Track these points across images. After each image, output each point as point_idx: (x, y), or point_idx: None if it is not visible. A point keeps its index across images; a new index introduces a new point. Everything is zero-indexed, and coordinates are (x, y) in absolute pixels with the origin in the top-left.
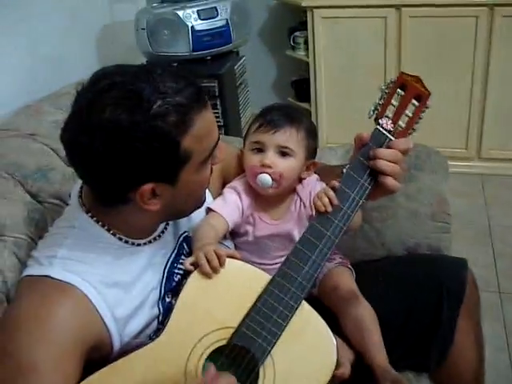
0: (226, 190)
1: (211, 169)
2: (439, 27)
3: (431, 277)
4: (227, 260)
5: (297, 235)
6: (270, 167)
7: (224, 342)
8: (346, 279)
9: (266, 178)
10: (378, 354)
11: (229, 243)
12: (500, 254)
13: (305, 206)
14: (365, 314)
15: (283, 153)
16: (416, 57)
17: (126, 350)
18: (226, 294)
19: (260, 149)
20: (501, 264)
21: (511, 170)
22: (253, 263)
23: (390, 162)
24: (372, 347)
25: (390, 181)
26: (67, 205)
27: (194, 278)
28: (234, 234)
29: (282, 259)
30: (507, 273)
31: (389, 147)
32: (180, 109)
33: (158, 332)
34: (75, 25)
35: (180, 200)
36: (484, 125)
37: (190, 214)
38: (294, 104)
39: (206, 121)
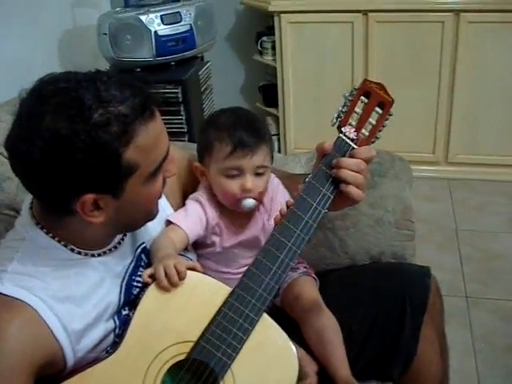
0: (189, 202)
1: (164, 181)
2: (406, 32)
3: (394, 286)
4: (187, 272)
5: (263, 241)
6: (251, 191)
7: (183, 357)
8: (309, 289)
9: (250, 202)
10: (341, 366)
11: (191, 255)
12: (467, 259)
13: (269, 213)
14: (328, 325)
15: (259, 172)
16: (383, 62)
17: (81, 364)
18: (186, 306)
19: (237, 174)
20: (467, 268)
21: (478, 175)
22: (219, 273)
23: (352, 171)
24: (335, 360)
25: (352, 190)
26: None
27: (153, 290)
28: (199, 245)
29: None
30: (474, 277)
31: (352, 156)
32: (122, 119)
33: (114, 346)
34: (36, 29)
35: (126, 213)
36: (451, 129)
37: (141, 226)
38: (261, 109)
39: (152, 132)
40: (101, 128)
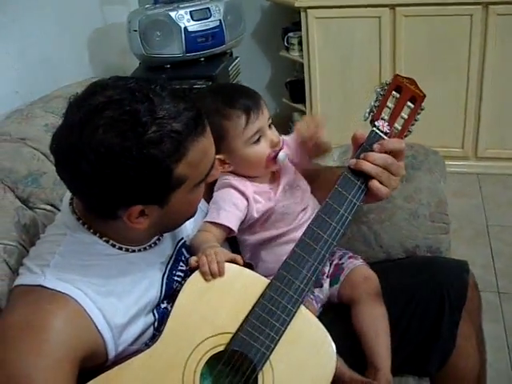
0: (218, 194)
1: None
2: (434, 26)
3: (432, 281)
4: (226, 264)
5: (298, 180)
6: (279, 142)
7: (222, 348)
8: (375, 276)
9: (283, 155)
10: (386, 358)
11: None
12: (498, 254)
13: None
14: (383, 315)
15: (270, 124)
16: (411, 56)
17: (122, 357)
18: (224, 299)
19: (259, 136)
20: (499, 263)
21: (508, 169)
22: (283, 236)
23: (378, 165)
24: (381, 350)
25: (374, 184)
26: (59, 210)
27: (191, 284)
28: (254, 223)
29: (303, 214)
30: (505, 272)
31: (380, 146)
32: (175, 136)
33: (153, 338)
34: (66, 28)
35: (170, 218)
36: (480, 124)
37: (180, 226)
38: (288, 105)
39: (202, 147)
40: (153, 145)
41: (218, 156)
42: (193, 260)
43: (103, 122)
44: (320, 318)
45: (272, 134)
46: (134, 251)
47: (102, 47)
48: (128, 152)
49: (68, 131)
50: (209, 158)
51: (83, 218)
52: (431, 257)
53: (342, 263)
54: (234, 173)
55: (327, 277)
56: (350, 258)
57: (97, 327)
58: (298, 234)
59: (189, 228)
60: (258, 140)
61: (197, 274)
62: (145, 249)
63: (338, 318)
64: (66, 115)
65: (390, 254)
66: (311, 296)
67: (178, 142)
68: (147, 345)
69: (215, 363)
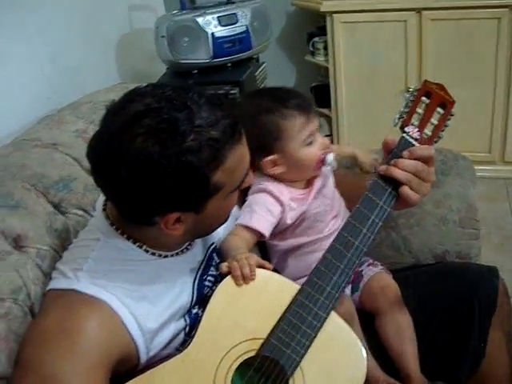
0: (252, 198)
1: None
2: (460, 30)
3: (462, 287)
4: (256, 270)
5: (330, 185)
6: (328, 146)
7: (253, 354)
8: (394, 284)
9: (331, 155)
10: (415, 364)
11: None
12: None
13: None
14: (407, 322)
15: (318, 127)
16: (437, 60)
17: (153, 361)
18: (255, 304)
19: (312, 138)
20: None
21: None
22: (312, 244)
23: (408, 172)
24: (409, 357)
25: (404, 190)
26: (90, 215)
27: (222, 289)
28: (287, 228)
29: (334, 222)
30: None
31: (410, 153)
32: (213, 144)
33: (184, 343)
34: (94, 34)
35: (203, 224)
36: (507, 128)
37: (213, 232)
38: (315, 110)
39: (239, 154)
40: (192, 153)
41: (270, 157)
42: (224, 266)
43: (142, 131)
44: None
45: (323, 139)
46: (166, 256)
47: (130, 53)
48: (167, 160)
49: (106, 138)
50: (244, 165)
51: (117, 223)
52: (461, 263)
53: (362, 270)
54: (275, 177)
55: (350, 284)
56: (369, 265)
57: (129, 332)
58: (328, 243)
59: (220, 233)
60: (311, 142)
61: (228, 279)
62: (177, 254)
63: (364, 323)
64: (103, 122)
65: (419, 259)
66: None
67: (216, 149)
68: (178, 349)
69: (246, 369)
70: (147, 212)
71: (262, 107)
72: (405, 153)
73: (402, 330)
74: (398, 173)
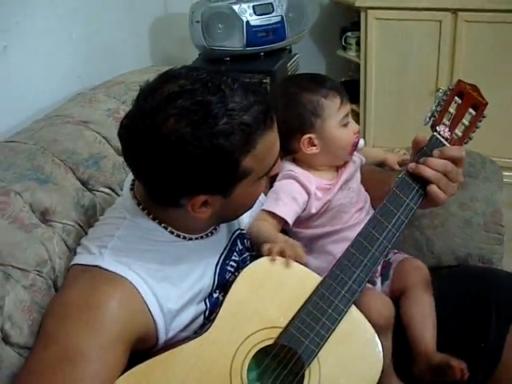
0: (278, 184)
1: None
2: (495, 33)
3: (481, 291)
4: (278, 259)
5: (357, 179)
6: (359, 131)
7: (271, 342)
8: (425, 266)
9: (362, 142)
10: (433, 344)
11: None
12: None
13: None
14: (432, 306)
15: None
16: (470, 62)
17: (171, 343)
18: (276, 293)
19: (347, 120)
20: None
21: None
22: (336, 233)
23: (438, 171)
24: (429, 335)
25: (433, 189)
26: (117, 194)
27: (245, 276)
28: (311, 217)
29: (359, 214)
30: None
31: (441, 152)
32: (245, 129)
33: (203, 327)
34: (130, 15)
35: (229, 209)
36: None
37: (238, 217)
38: None
39: (270, 142)
40: (224, 136)
41: (308, 135)
42: (266, 247)
43: (175, 112)
44: None
45: (353, 121)
46: (191, 239)
47: (163, 36)
48: (198, 141)
49: (139, 118)
50: (274, 152)
51: (143, 203)
52: (481, 267)
53: (389, 259)
54: (306, 161)
55: (380, 275)
56: (395, 253)
57: (150, 311)
58: (352, 233)
59: (245, 220)
60: (346, 124)
61: (251, 266)
62: (201, 237)
63: None
64: (136, 102)
65: (441, 260)
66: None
67: (247, 134)
68: (196, 333)
69: (263, 357)
70: (175, 193)
71: (303, 86)
72: (435, 152)
73: (426, 311)
74: (427, 171)
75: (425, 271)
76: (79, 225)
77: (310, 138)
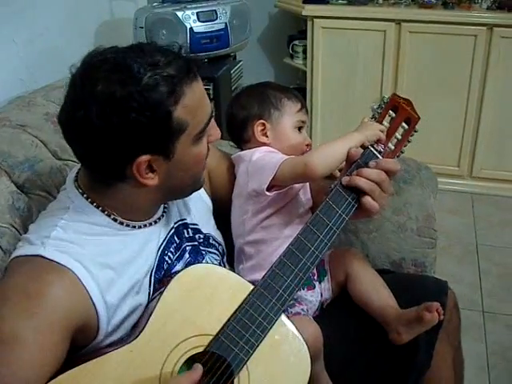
0: (265, 154)
1: (208, 147)
2: (438, 44)
3: (410, 302)
4: (211, 267)
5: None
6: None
7: (201, 349)
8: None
9: None
10: (393, 301)
11: None
12: (486, 273)
13: None
14: (376, 274)
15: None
16: (414, 72)
17: (106, 344)
18: (208, 300)
19: (301, 127)
20: (486, 283)
21: (502, 191)
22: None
23: (372, 181)
24: (387, 297)
25: (367, 200)
26: (54, 198)
27: (177, 282)
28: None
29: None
30: (492, 292)
31: (378, 164)
32: (170, 79)
33: (135, 329)
34: (75, 19)
35: (177, 175)
36: (477, 144)
37: (188, 195)
38: None
39: (197, 92)
40: (151, 89)
41: (263, 121)
42: (353, 150)
43: (102, 76)
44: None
45: (307, 136)
46: (134, 227)
47: (109, 40)
48: (129, 96)
49: (71, 92)
50: (205, 107)
51: (87, 192)
52: (411, 275)
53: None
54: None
55: (317, 277)
56: None
57: (92, 300)
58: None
59: (190, 209)
60: (300, 129)
61: (184, 272)
62: (145, 226)
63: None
64: (69, 83)
65: (375, 264)
66: (302, 310)
67: (173, 84)
68: (124, 340)
69: (193, 364)
70: (118, 159)
71: (272, 86)
72: (372, 163)
73: (374, 280)
74: (362, 182)
75: (355, 250)
76: (13, 227)
77: (264, 126)
